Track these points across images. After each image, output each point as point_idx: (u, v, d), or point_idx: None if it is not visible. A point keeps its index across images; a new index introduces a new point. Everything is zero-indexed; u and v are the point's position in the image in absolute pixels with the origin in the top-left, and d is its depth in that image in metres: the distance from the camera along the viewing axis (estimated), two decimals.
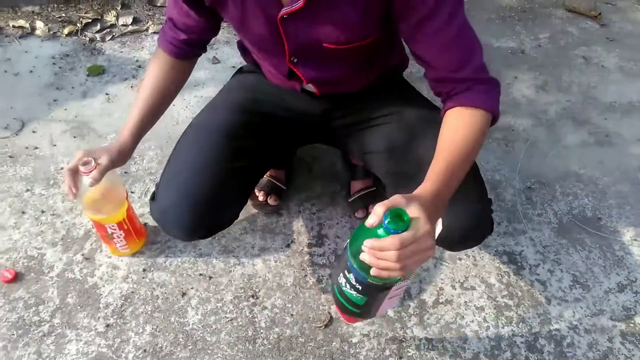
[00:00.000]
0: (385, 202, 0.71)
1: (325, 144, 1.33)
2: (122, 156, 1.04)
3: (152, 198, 1.09)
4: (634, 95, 1.79)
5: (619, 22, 2.12)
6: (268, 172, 1.40)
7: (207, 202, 1.03)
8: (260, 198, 1.38)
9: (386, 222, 0.69)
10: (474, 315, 1.21)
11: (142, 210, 1.38)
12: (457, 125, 0.87)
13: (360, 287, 0.80)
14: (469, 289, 1.25)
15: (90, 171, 1.04)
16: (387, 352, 1.14)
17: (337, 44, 0.93)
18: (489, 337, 1.17)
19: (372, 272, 0.73)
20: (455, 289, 1.25)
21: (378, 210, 0.70)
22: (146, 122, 1.08)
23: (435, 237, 0.76)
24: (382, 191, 1.38)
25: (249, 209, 1.39)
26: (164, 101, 1.11)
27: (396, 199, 0.71)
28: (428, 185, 0.79)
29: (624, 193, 1.48)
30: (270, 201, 1.38)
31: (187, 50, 1.07)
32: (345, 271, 0.81)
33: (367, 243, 0.71)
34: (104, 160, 1.00)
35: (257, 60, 1.17)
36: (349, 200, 1.40)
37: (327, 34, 0.91)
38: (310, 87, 1.10)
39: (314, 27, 0.91)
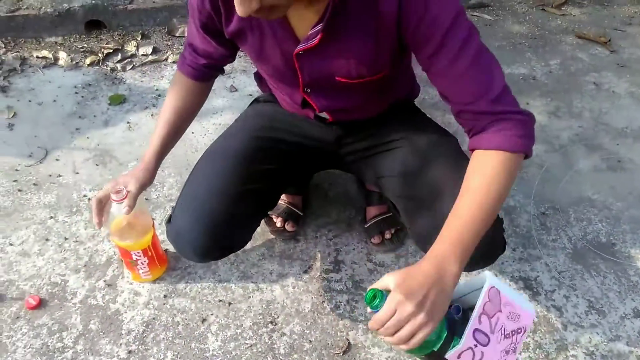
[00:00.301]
0: (376, 283, 0.78)
1: (340, 170, 1.36)
2: (148, 178, 1.10)
3: (169, 220, 1.13)
4: None
5: (629, 48, 2.15)
6: (285, 199, 1.43)
7: (221, 223, 1.07)
8: (278, 224, 1.41)
9: (366, 301, 0.77)
10: None
11: (163, 237, 1.40)
12: (477, 173, 0.86)
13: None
14: None
15: (122, 199, 1.09)
16: None
17: (349, 79, 0.97)
18: None
19: (390, 341, 0.77)
20: None
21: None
22: (168, 142, 1.13)
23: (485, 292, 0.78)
24: (397, 216, 1.41)
25: (266, 235, 1.42)
26: (183, 122, 1.17)
27: (384, 279, 0.77)
28: (435, 247, 0.81)
29: (638, 218, 1.49)
30: (288, 227, 1.41)
31: (206, 73, 1.14)
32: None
33: (371, 323, 0.77)
34: (132, 187, 1.05)
35: (272, 89, 1.22)
36: (365, 226, 1.42)
37: (339, 69, 0.95)
38: (324, 114, 1.14)
39: (328, 62, 0.95)
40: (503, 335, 0.80)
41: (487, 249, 0.96)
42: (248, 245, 1.38)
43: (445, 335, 0.77)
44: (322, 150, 1.22)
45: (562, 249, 1.41)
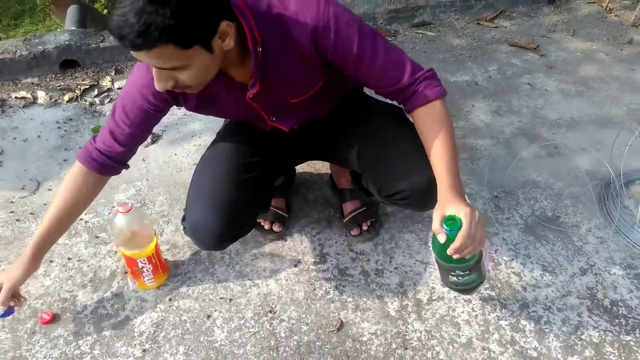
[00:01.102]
0: (435, 218, 1.01)
1: (317, 159, 1.56)
2: (23, 272, 1.21)
3: (183, 219, 1.27)
4: (575, 112, 2.07)
5: (555, 52, 2.44)
6: (271, 204, 1.59)
7: (231, 208, 1.22)
8: (266, 227, 1.56)
9: (448, 230, 0.99)
10: (464, 307, 1.40)
11: (161, 248, 1.53)
12: (428, 124, 1.11)
13: (468, 271, 1.10)
14: None
15: (128, 211, 1.23)
16: (394, 345, 1.31)
17: (299, 97, 1.18)
18: (478, 323, 1.36)
19: (461, 255, 1.01)
20: (445, 287, 1.44)
21: (438, 229, 1.01)
22: (51, 235, 1.23)
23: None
24: (372, 212, 1.59)
25: (256, 237, 1.56)
26: (73, 216, 1.26)
27: (439, 213, 1.01)
28: (444, 184, 1.05)
29: (576, 193, 1.73)
30: (275, 228, 1.56)
31: (113, 167, 1.23)
32: (451, 272, 1.10)
33: (450, 251, 1.01)
34: (5, 285, 1.19)
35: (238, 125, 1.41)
36: (344, 221, 1.59)
37: (288, 95, 1.17)
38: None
39: (276, 94, 1.15)
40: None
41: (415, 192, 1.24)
42: (240, 248, 1.53)
43: None
44: (298, 145, 1.41)
45: (515, 225, 1.62)
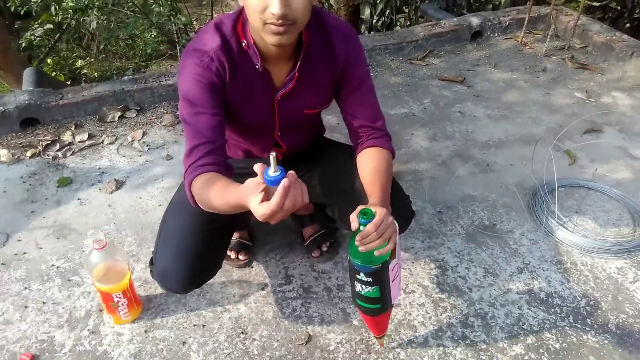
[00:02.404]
0: (354, 211, 1.11)
1: None
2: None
3: (151, 263, 1.37)
4: (501, 133, 2.32)
5: (480, 82, 2.72)
6: (236, 235, 1.71)
7: (199, 257, 1.33)
8: (232, 256, 1.68)
9: (361, 219, 1.09)
10: (418, 311, 1.54)
11: (134, 284, 1.62)
12: (378, 158, 1.31)
13: (370, 279, 1.15)
14: (411, 293, 1.60)
15: (103, 247, 1.33)
16: (359, 351, 1.43)
17: (313, 109, 1.37)
18: (432, 324, 1.51)
19: (366, 249, 1.09)
20: (401, 295, 1.59)
21: (353, 217, 1.10)
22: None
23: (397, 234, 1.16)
24: (330, 232, 1.73)
25: (225, 267, 1.67)
26: None
27: (359, 207, 1.12)
28: (374, 199, 1.20)
29: (508, 203, 1.94)
30: (241, 257, 1.68)
31: (224, 159, 1.23)
32: (356, 276, 1.17)
33: (357, 238, 1.09)
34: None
35: (235, 147, 1.51)
36: (305, 245, 1.73)
37: (308, 102, 1.34)
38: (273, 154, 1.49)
39: (300, 100, 1.32)
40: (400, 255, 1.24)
41: (405, 218, 1.45)
42: (210, 280, 1.63)
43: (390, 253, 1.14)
44: None
45: (458, 235, 1.80)
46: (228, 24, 1.23)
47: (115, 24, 5.53)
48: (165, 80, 2.50)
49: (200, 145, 1.19)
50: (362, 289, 1.18)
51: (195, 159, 1.18)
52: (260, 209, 0.93)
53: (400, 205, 1.39)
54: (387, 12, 4.17)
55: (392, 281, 1.19)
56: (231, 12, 1.26)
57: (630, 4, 3.77)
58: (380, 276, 1.16)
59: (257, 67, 1.23)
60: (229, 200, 1.05)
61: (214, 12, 5.30)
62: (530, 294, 1.59)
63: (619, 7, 4.56)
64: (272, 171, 0.93)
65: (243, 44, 1.22)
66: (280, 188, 0.91)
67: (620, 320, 1.52)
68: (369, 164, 1.31)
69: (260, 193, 0.93)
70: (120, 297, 1.43)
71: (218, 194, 1.09)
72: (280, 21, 1.06)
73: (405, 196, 1.48)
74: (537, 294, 1.60)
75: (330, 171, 1.50)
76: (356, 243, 1.10)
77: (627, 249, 1.74)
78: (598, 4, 3.62)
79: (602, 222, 1.85)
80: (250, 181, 0.97)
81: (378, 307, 1.21)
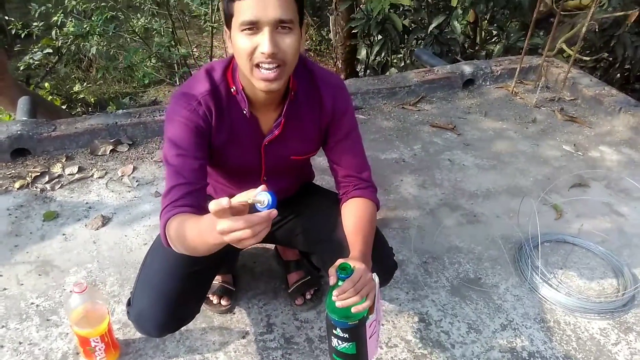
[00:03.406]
0: (333, 265, 1.12)
1: (262, 242, 1.68)
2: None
3: (128, 304, 1.36)
4: (489, 184, 2.34)
5: (470, 131, 2.75)
6: (218, 279, 1.69)
7: (176, 301, 1.32)
8: (215, 301, 1.66)
9: (339, 274, 1.09)
10: None
11: (113, 327, 1.59)
12: (362, 209, 1.33)
13: (347, 335, 1.14)
14: (393, 347, 1.58)
15: (83, 291, 1.31)
16: None
17: (300, 155, 1.38)
18: None
19: (343, 305, 1.08)
20: (383, 349, 1.57)
21: (331, 272, 1.11)
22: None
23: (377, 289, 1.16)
24: (315, 279, 1.72)
25: (205, 312, 1.65)
26: None
27: (339, 261, 1.12)
28: (355, 252, 1.21)
29: (494, 256, 1.94)
30: (223, 302, 1.66)
31: (201, 200, 1.23)
32: (333, 330, 1.16)
33: (335, 293, 1.09)
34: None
35: (220, 190, 1.51)
36: (289, 292, 1.72)
37: (294, 148, 1.36)
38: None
39: (286, 145, 1.34)
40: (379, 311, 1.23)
41: (387, 272, 1.45)
42: (190, 325, 1.61)
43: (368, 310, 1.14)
44: None
45: (442, 287, 1.80)
46: (218, 70, 1.26)
47: (115, 50, 5.60)
48: (160, 115, 2.52)
49: (180, 185, 1.20)
50: (338, 344, 1.17)
51: (172, 200, 1.19)
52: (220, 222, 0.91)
53: (382, 257, 1.39)
54: (383, 53, 4.25)
55: (369, 338, 1.18)
56: (222, 59, 1.30)
57: (621, 57, 3.86)
58: (357, 333, 1.15)
59: (244, 112, 1.26)
60: (201, 228, 1.03)
61: (214, 40, 5.38)
62: (512, 353, 1.59)
63: (610, 59, 4.68)
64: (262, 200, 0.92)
65: (232, 90, 1.25)
66: (264, 213, 0.90)
67: None
68: (352, 215, 1.33)
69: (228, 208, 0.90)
70: (97, 342, 1.41)
71: (194, 230, 1.07)
72: (270, 60, 1.09)
73: (389, 248, 1.48)
74: (520, 352, 1.59)
75: (315, 219, 1.50)
76: (333, 298, 1.10)
77: (610, 310, 1.74)
78: (588, 59, 3.71)
79: (586, 280, 1.86)
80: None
81: None
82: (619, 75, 4.92)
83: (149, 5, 5.50)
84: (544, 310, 1.73)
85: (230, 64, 1.27)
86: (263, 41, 1.08)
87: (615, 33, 3.62)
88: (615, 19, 3.57)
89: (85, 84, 5.91)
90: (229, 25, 1.14)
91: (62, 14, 4.48)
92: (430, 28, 3.78)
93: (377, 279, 1.18)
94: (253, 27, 1.08)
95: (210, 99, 1.23)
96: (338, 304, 1.09)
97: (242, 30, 1.09)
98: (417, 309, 1.71)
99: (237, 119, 1.28)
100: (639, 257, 1.96)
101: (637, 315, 1.74)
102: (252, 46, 1.09)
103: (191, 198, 1.20)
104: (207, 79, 1.25)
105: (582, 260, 1.95)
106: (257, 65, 1.11)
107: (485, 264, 1.91)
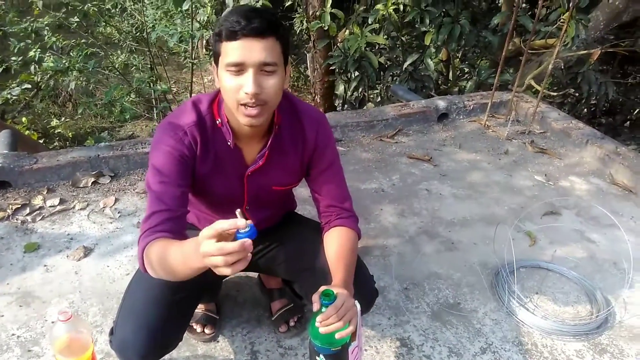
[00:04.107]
0: (317, 292, 1.15)
1: (245, 271, 1.70)
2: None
3: (111, 333, 1.36)
4: (466, 212, 2.42)
5: (446, 162, 2.85)
6: (202, 307, 1.70)
7: (158, 329, 1.32)
8: (198, 330, 1.66)
9: (322, 301, 1.12)
10: None
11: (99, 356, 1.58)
12: (344, 238, 1.38)
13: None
14: None
15: (68, 319, 1.31)
16: None
17: (282, 186, 1.43)
18: None
19: (327, 331, 1.11)
20: None
21: (315, 298, 1.14)
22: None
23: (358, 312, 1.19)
24: (298, 307, 1.75)
25: (189, 340, 1.65)
26: None
27: (322, 288, 1.16)
28: (337, 279, 1.24)
29: (472, 282, 1.99)
30: (207, 330, 1.67)
31: (181, 227, 1.28)
32: (316, 357, 1.18)
33: (318, 320, 1.12)
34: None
35: (202, 219, 1.55)
36: (272, 319, 1.73)
37: (276, 179, 1.41)
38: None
39: (269, 176, 1.39)
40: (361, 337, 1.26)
41: (368, 299, 1.47)
42: (174, 352, 1.61)
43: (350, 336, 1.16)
44: None
45: (423, 312, 1.84)
46: (205, 102, 1.33)
47: (94, 86, 5.63)
48: (142, 147, 2.55)
49: (160, 212, 1.24)
50: None
51: (152, 225, 1.23)
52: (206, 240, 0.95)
53: (364, 284, 1.43)
54: (360, 89, 4.38)
55: None
56: (209, 92, 1.36)
57: (587, 93, 4.06)
58: (339, 359, 1.18)
59: (229, 143, 1.31)
60: (185, 250, 1.07)
61: (193, 77, 5.46)
62: None
63: (577, 94, 4.92)
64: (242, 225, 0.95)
65: (217, 122, 1.31)
66: (236, 242, 0.93)
67: None
68: (334, 244, 1.37)
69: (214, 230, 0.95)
70: None
71: (177, 253, 1.11)
72: (253, 100, 1.16)
73: (370, 276, 1.52)
74: None
75: (297, 248, 1.54)
76: (317, 324, 1.13)
77: (584, 332, 1.80)
78: (555, 94, 3.89)
79: (561, 303, 1.92)
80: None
81: None
82: (585, 110, 5.16)
83: (129, 42, 5.59)
84: (521, 333, 1.78)
85: (216, 97, 1.33)
86: (247, 82, 1.15)
87: (580, 70, 3.83)
88: (580, 58, 3.78)
89: (62, 118, 5.91)
90: (216, 62, 1.21)
91: (39, 50, 4.51)
92: (405, 65, 3.93)
93: (358, 306, 1.21)
94: (238, 68, 1.15)
95: (196, 129, 1.29)
96: (322, 329, 1.12)
97: (228, 70, 1.16)
98: (399, 334, 1.74)
99: (222, 150, 1.33)
100: (610, 281, 2.04)
101: (610, 336, 1.80)
102: (237, 85, 1.16)
103: (171, 224, 1.24)
104: (194, 111, 1.31)
105: (556, 285, 2.01)
106: (242, 103, 1.18)
107: (464, 289, 1.96)
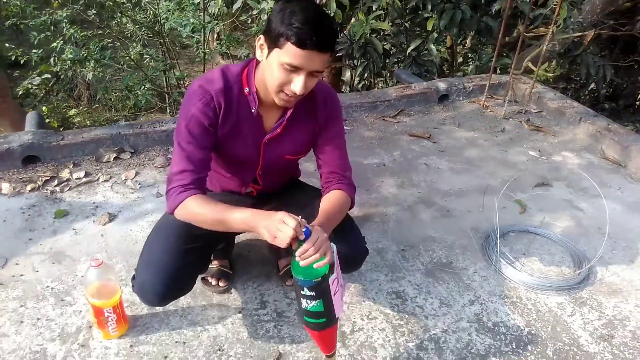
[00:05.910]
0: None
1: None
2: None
3: (133, 278, 1.55)
4: (462, 184, 2.58)
5: (445, 140, 3.00)
6: (217, 263, 1.89)
7: (174, 274, 1.50)
8: (213, 283, 1.85)
9: (298, 240, 1.27)
10: (379, 335, 1.72)
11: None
12: (336, 197, 1.55)
13: (313, 292, 1.30)
14: (373, 319, 1.78)
15: (99, 265, 1.51)
16: None
17: (294, 155, 1.61)
18: (391, 346, 1.68)
19: (306, 262, 1.26)
20: (364, 320, 1.77)
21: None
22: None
23: (334, 253, 1.35)
24: None
25: (205, 292, 1.84)
26: None
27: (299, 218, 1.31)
28: (316, 221, 1.41)
29: (464, 244, 2.16)
30: (221, 283, 1.85)
31: (204, 186, 1.50)
32: (301, 292, 1.32)
33: (297, 254, 1.27)
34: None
35: (219, 179, 1.72)
36: (279, 274, 1.91)
37: (290, 149, 1.58)
38: (249, 189, 1.69)
39: (283, 145, 1.56)
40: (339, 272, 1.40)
41: (361, 254, 1.64)
42: (192, 301, 1.80)
43: (329, 267, 1.31)
44: None
45: (418, 270, 2.00)
46: (234, 71, 1.48)
47: (111, 76, 5.83)
48: (160, 126, 2.73)
49: (191, 171, 1.44)
50: (307, 304, 1.33)
51: (185, 183, 1.44)
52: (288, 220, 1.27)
53: (353, 240, 1.61)
54: (366, 75, 4.53)
55: (334, 295, 1.34)
56: (237, 63, 1.51)
57: (584, 76, 4.17)
58: (322, 289, 1.31)
59: (252, 111, 1.48)
60: (235, 216, 1.37)
61: (205, 68, 5.65)
62: (479, 323, 1.79)
63: (579, 79, 5.02)
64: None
65: (245, 90, 1.46)
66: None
67: (557, 347, 1.71)
68: (327, 201, 1.54)
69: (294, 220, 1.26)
70: (110, 313, 1.59)
71: (217, 212, 1.39)
72: (296, 95, 1.35)
73: (361, 237, 1.66)
74: (485, 323, 1.79)
75: (299, 210, 1.70)
76: (296, 259, 1.28)
77: (567, 287, 1.95)
78: (553, 83, 4.00)
79: (547, 263, 2.08)
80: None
81: (323, 322, 1.36)
82: (588, 96, 5.26)
83: (142, 33, 5.79)
84: (507, 288, 1.94)
85: (246, 67, 1.48)
86: (297, 83, 1.32)
87: (577, 53, 3.94)
88: (579, 41, 3.90)
89: (80, 107, 6.13)
90: (272, 44, 1.30)
91: (61, 41, 4.72)
92: (409, 50, 4.07)
93: (334, 247, 1.35)
94: (294, 68, 1.30)
95: (222, 95, 1.44)
96: (301, 262, 1.27)
97: (283, 66, 1.30)
98: (394, 287, 1.91)
99: (244, 116, 1.49)
100: (594, 244, 2.19)
101: (590, 292, 1.95)
102: (287, 80, 1.33)
103: (199, 183, 1.47)
104: (222, 78, 1.45)
105: (543, 247, 2.17)
106: (285, 92, 1.36)
107: (457, 250, 2.12)
